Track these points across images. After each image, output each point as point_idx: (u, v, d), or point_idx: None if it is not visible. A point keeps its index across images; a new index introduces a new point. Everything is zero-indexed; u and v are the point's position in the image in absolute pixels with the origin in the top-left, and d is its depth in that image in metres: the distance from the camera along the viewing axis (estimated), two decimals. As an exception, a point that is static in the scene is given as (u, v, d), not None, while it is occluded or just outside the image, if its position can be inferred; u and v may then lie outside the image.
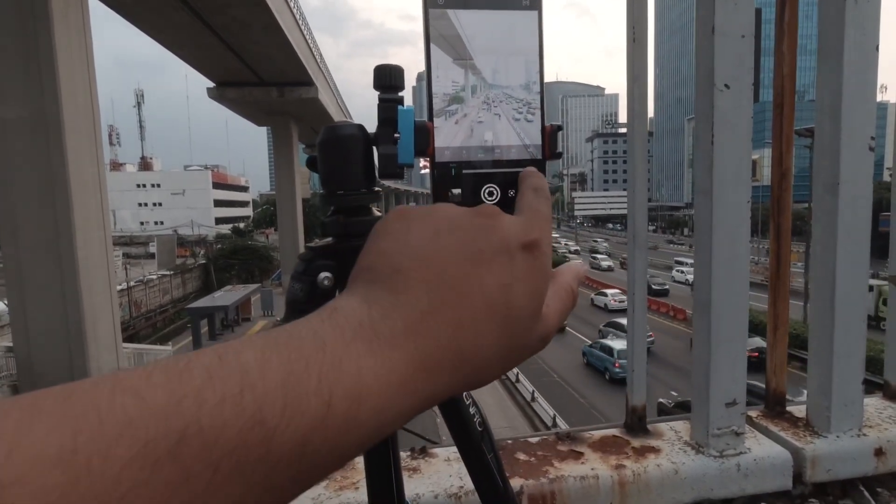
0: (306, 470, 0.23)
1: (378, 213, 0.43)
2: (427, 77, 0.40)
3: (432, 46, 0.40)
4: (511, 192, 0.42)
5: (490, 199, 0.40)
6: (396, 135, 0.39)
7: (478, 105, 0.41)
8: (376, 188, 0.42)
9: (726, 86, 0.77)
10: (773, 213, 0.93)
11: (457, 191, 0.40)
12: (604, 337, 20.14)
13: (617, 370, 16.65)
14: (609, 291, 29.10)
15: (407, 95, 0.43)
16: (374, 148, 0.40)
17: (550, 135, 0.42)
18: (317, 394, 0.23)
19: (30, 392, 0.19)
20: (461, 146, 0.41)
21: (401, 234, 0.31)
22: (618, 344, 17.47)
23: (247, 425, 0.21)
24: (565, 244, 55.62)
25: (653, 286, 36.54)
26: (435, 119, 0.40)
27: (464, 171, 0.40)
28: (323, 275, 0.40)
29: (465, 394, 0.45)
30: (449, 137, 0.40)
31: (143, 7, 17.97)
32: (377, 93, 0.40)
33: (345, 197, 0.41)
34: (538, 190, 0.37)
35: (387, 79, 0.40)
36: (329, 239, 0.43)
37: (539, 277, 0.32)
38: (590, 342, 19.59)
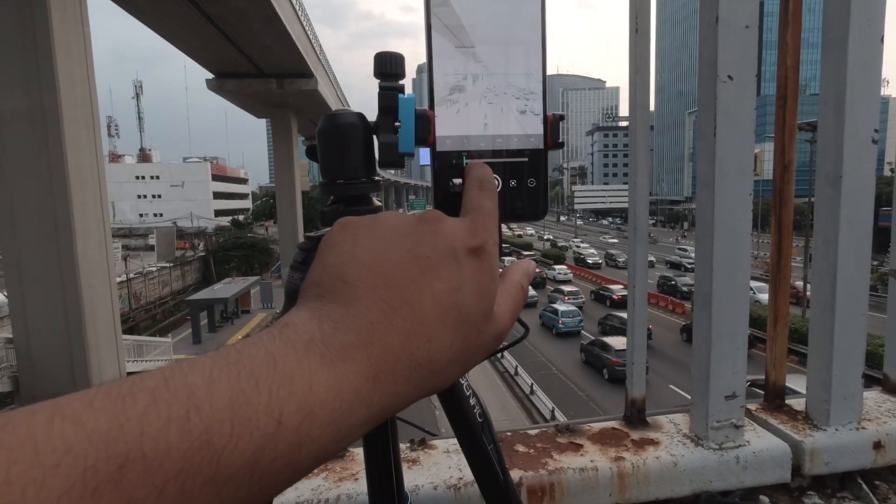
0: (258, 487, 0.23)
1: (378, 203, 0.42)
2: (428, 65, 0.40)
3: (434, 34, 0.39)
4: (512, 182, 0.42)
5: None
6: (397, 123, 0.38)
7: (479, 94, 0.40)
8: (376, 177, 0.42)
9: (729, 77, 0.76)
10: (774, 206, 0.92)
11: (458, 181, 0.40)
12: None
13: (560, 326, 22.72)
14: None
15: (408, 88, 0.42)
16: (375, 137, 0.40)
17: (552, 124, 0.42)
18: (267, 411, 0.23)
19: None
20: (462, 135, 0.40)
21: (346, 245, 0.31)
22: (561, 307, 24.17)
23: (193, 447, 0.20)
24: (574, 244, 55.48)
25: (588, 260, 42.30)
26: (436, 107, 0.40)
27: (464, 161, 0.40)
28: None
29: (465, 384, 0.45)
30: (450, 126, 0.40)
31: (141, -3, 17.83)
32: (377, 81, 0.40)
33: (344, 186, 0.40)
34: (483, 183, 0.37)
35: (387, 66, 0.39)
36: (328, 229, 0.42)
37: (487, 278, 0.32)
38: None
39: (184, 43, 23.63)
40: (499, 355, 18.54)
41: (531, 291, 28.41)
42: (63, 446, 0.18)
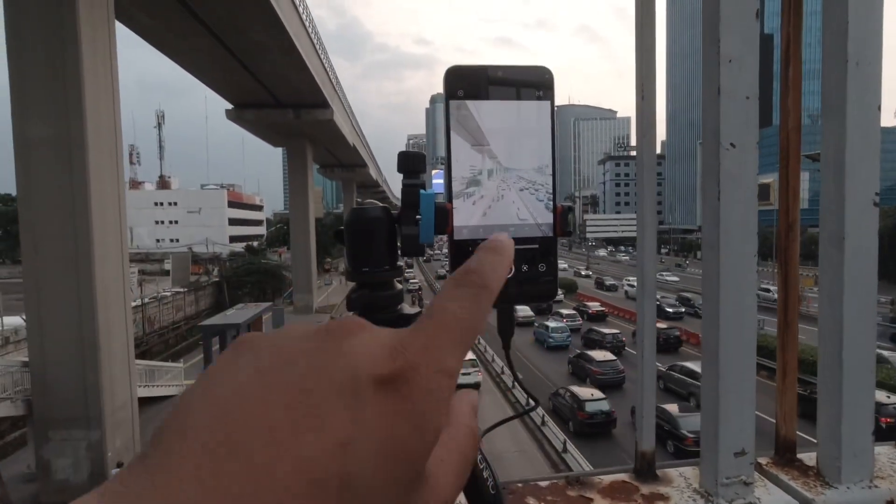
0: None
1: (399, 287, 0.46)
2: (447, 161, 0.44)
3: (452, 133, 0.44)
4: (524, 267, 0.45)
5: None
6: (418, 217, 0.42)
7: (494, 187, 0.45)
8: (399, 264, 0.46)
9: (732, 144, 0.80)
10: (779, 263, 0.94)
11: None
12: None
13: (551, 341, 25.43)
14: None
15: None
16: (397, 226, 0.44)
17: (561, 214, 0.46)
18: None
19: None
20: (478, 225, 0.44)
21: (217, 376, 0.23)
22: (552, 323, 26.90)
23: None
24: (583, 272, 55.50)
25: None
26: (454, 200, 0.44)
27: None
28: None
29: (479, 456, 0.47)
30: (466, 217, 0.44)
31: (169, 32, 18.59)
32: (401, 176, 0.44)
33: (369, 273, 0.44)
34: (468, 273, 0.27)
35: (410, 164, 0.43)
36: (352, 313, 0.46)
37: (404, 424, 0.22)
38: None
39: (205, 75, 24.46)
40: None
41: (527, 311, 29.09)
42: None
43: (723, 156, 0.79)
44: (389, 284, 0.45)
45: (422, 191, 0.43)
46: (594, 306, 33.33)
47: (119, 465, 11.25)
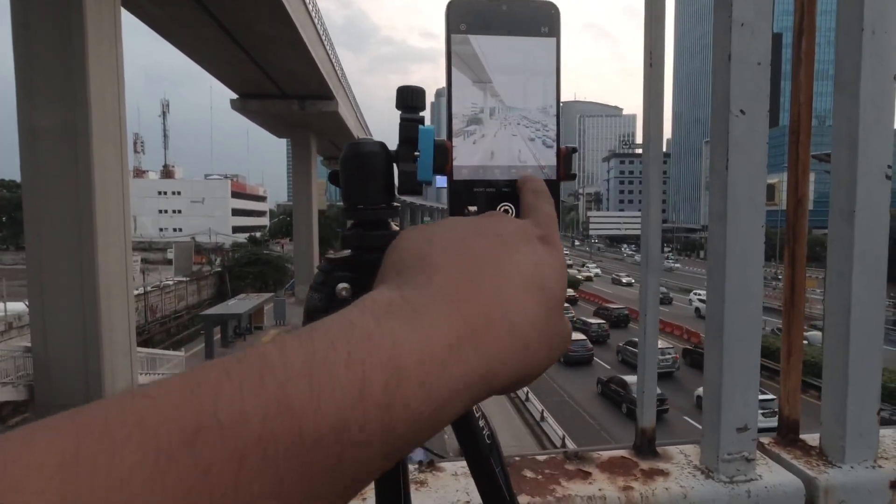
0: (350, 462, 0.20)
1: (396, 228, 0.44)
2: (447, 98, 0.42)
3: (453, 69, 0.42)
4: None
5: None
6: (416, 153, 0.41)
7: (495, 126, 0.43)
8: (395, 203, 0.44)
9: (742, 112, 0.78)
10: (788, 240, 0.92)
11: (473, 208, 0.42)
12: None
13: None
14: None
15: (426, 113, 0.45)
16: (395, 165, 0.42)
17: (565, 156, 0.44)
18: (347, 367, 0.21)
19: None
20: (478, 165, 0.42)
21: (419, 233, 0.32)
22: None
23: (271, 411, 0.19)
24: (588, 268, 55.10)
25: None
26: (454, 138, 0.42)
27: (480, 189, 0.42)
28: (341, 285, 0.42)
29: (474, 406, 0.46)
30: (467, 156, 0.42)
31: (175, 22, 18.56)
32: (399, 112, 0.42)
33: (364, 211, 0.42)
34: (538, 192, 0.38)
35: (409, 99, 0.42)
36: (348, 251, 0.44)
37: (560, 262, 0.32)
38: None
39: (211, 64, 24.43)
40: None
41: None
42: (134, 419, 0.18)
43: (732, 123, 0.77)
44: (385, 224, 0.44)
45: (421, 126, 0.41)
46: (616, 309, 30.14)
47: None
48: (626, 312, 30.55)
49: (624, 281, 46.22)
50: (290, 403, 0.19)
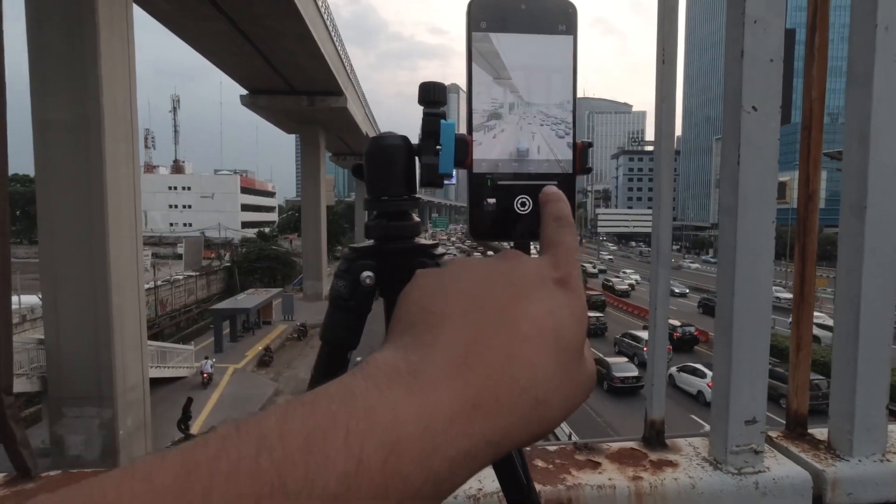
0: None
1: (417, 219, 0.46)
2: (468, 93, 0.44)
3: (474, 66, 0.43)
4: None
5: (522, 209, 0.43)
6: (438, 147, 0.42)
7: (514, 121, 0.44)
8: (416, 195, 0.46)
9: (754, 108, 0.79)
10: (798, 234, 0.93)
11: (491, 200, 0.43)
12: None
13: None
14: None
15: None
16: (417, 158, 0.44)
17: (581, 151, 0.45)
18: (345, 448, 0.21)
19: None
20: (497, 159, 0.44)
21: (430, 280, 0.31)
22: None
23: (264, 492, 0.19)
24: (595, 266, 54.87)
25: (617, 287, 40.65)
26: (474, 133, 0.43)
27: (499, 182, 0.43)
28: (365, 273, 0.44)
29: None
30: (486, 150, 0.44)
31: (185, 17, 18.66)
32: (422, 107, 0.44)
33: (388, 202, 0.44)
34: (560, 219, 0.37)
35: (431, 95, 0.43)
36: (371, 241, 0.46)
37: (579, 308, 0.30)
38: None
39: (221, 60, 24.53)
40: None
41: None
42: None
43: (744, 119, 0.78)
44: (407, 215, 0.45)
45: (442, 121, 0.42)
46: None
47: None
48: (604, 298, 32.81)
49: (591, 271, 48.40)
50: (285, 484, 0.20)
